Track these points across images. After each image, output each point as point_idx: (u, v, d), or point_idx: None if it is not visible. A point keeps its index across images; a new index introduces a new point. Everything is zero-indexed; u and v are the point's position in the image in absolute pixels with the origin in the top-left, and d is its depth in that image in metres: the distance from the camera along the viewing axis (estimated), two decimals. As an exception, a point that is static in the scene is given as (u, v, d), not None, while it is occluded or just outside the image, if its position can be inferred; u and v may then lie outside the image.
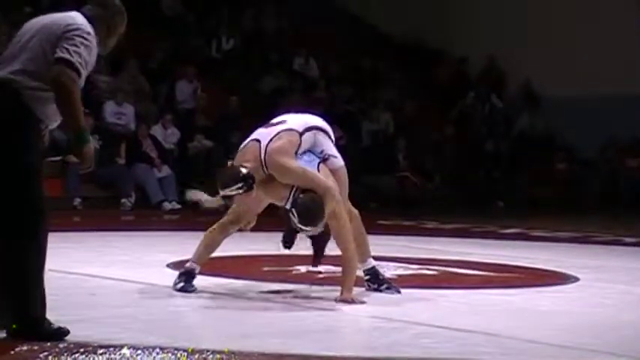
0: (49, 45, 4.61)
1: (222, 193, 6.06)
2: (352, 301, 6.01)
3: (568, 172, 18.78)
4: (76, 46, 4.59)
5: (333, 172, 6.27)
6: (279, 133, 6.20)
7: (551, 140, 19.72)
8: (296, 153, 6.19)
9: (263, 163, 6.09)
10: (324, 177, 6.15)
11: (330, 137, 6.41)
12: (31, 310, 4.59)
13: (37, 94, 4.59)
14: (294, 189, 6.08)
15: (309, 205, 5.97)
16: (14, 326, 4.59)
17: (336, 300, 6.06)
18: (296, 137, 6.23)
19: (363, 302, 6.06)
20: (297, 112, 6.60)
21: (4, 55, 4.73)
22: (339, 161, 6.36)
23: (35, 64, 4.61)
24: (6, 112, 4.57)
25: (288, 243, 6.32)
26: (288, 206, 6.11)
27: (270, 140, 6.16)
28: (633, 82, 18.10)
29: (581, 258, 9.46)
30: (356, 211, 6.39)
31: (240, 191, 5.99)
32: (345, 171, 6.38)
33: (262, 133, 6.26)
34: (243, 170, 6.02)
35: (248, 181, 5.99)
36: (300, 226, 5.98)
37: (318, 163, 6.20)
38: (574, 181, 18.48)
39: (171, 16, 18.49)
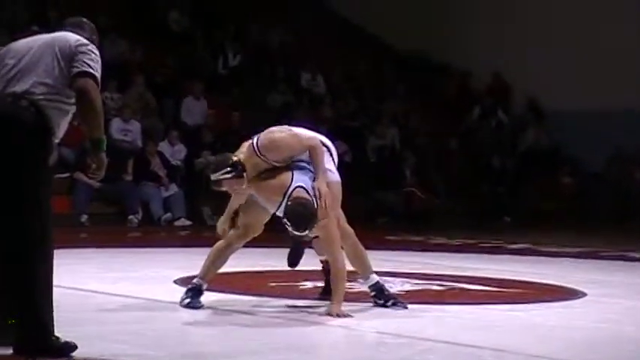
0: (64, 60, 4.75)
1: (212, 177, 6.20)
2: (340, 314, 6.03)
3: (574, 186, 18.76)
4: (92, 61, 4.78)
5: (328, 185, 6.29)
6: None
7: (557, 154, 19.71)
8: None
9: (256, 149, 6.21)
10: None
11: (331, 154, 6.46)
12: (40, 321, 4.59)
13: (53, 104, 4.71)
14: (286, 196, 6.11)
15: (299, 210, 6.02)
16: (10, 321, 4.59)
17: (326, 312, 6.08)
18: (296, 137, 6.31)
19: (350, 316, 6.06)
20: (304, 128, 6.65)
21: (6, 74, 4.77)
22: (335, 176, 6.40)
23: (52, 78, 4.73)
24: (25, 123, 4.63)
25: (293, 261, 6.37)
26: (280, 214, 6.15)
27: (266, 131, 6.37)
28: (638, 95, 18.10)
29: (588, 273, 9.44)
30: (350, 230, 6.41)
31: (229, 175, 6.14)
32: (339, 187, 6.41)
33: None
34: (234, 157, 6.22)
35: (237, 167, 6.16)
36: (294, 233, 6.03)
37: (295, 187, 6.19)
38: (580, 195, 18.45)
39: (178, 32, 18.55)
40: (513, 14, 20.19)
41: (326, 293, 6.75)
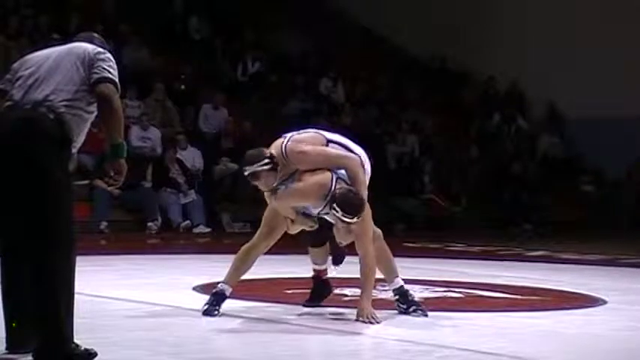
0: (84, 67, 4.78)
1: (248, 170, 6.20)
2: (369, 316, 6.03)
3: (595, 194, 18.68)
4: (112, 68, 4.83)
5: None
6: (306, 131, 6.41)
7: (578, 162, 19.64)
8: None
9: (283, 151, 6.21)
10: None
11: (362, 163, 6.43)
12: (60, 328, 4.59)
13: (73, 111, 4.72)
14: (331, 191, 6.12)
15: (350, 197, 6.04)
16: (13, 324, 4.57)
17: (357, 314, 6.08)
18: (321, 138, 6.35)
19: (379, 322, 6.05)
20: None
21: (24, 83, 4.79)
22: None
23: (71, 84, 4.75)
24: (44, 129, 4.65)
25: (337, 260, 6.40)
26: (325, 211, 6.14)
27: (295, 134, 6.35)
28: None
29: (609, 280, 9.41)
30: (379, 231, 6.41)
31: (266, 167, 6.15)
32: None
33: (290, 132, 6.42)
34: (271, 151, 6.22)
35: (273, 160, 6.17)
36: (345, 219, 6.02)
37: (337, 179, 6.23)
38: (601, 203, 18.37)
39: (198, 40, 18.60)
40: (534, 21, 20.15)
41: (311, 301, 6.74)
